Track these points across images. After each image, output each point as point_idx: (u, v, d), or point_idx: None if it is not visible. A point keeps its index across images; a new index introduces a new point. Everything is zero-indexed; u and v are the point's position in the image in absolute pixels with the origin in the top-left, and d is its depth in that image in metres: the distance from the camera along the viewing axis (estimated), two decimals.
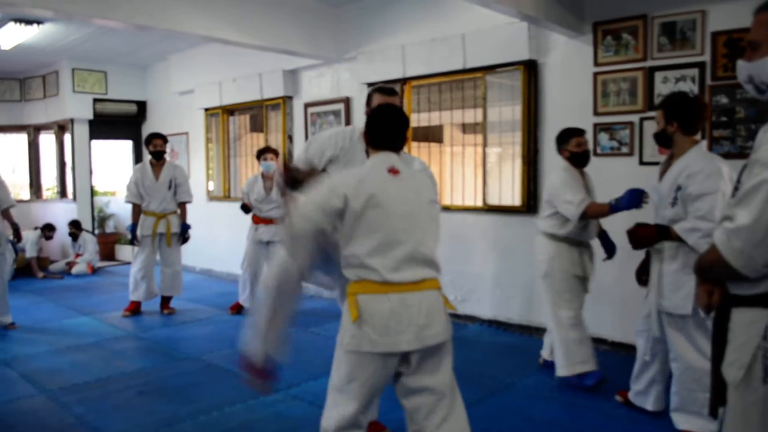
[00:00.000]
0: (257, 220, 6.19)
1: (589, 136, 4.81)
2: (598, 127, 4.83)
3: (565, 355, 4.05)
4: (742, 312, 1.73)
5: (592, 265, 4.23)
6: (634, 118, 4.65)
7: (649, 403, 3.59)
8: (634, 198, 3.64)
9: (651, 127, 4.54)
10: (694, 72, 4.37)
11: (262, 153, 6.21)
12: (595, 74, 4.84)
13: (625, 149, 4.71)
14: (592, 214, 3.94)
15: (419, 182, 2.53)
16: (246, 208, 6.29)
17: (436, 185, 3.02)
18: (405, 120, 2.59)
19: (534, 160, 5.26)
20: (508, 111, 5.53)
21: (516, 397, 4.00)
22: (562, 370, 4.06)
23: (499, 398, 3.97)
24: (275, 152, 6.24)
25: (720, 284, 1.82)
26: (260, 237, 6.14)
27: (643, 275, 3.53)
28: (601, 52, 4.81)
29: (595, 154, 4.81)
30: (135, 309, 6.35)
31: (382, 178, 2.42)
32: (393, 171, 2.44)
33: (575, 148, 4.09)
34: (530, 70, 5.22)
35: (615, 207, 3.76)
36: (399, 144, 2.55)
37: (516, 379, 4.29)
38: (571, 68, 5.02)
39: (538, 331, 5.26)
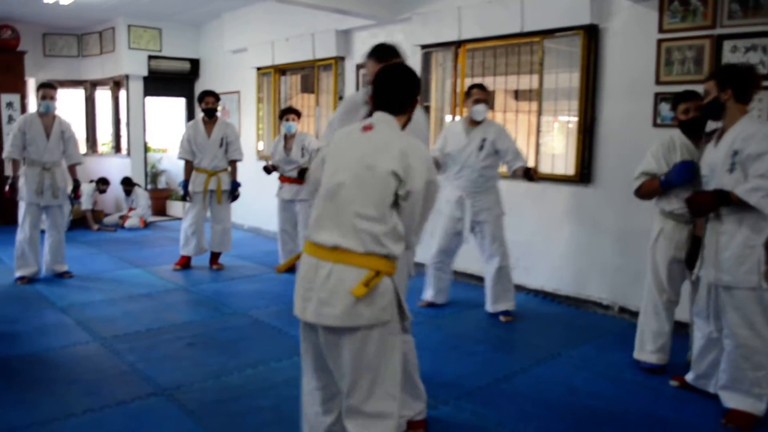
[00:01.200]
0: (282, 179, 6.29)
1: (649, 105, 4.68)
2: (660, 97, 4.64)
3: (639, 339, 3.94)
4: None
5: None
6: (699, 88, 4.44)
7: (712, 386, 3.43)
8: (684, 171, 3.51)
9: None
10: (767, 42, 4.15)
11: (284, 114, 6.25)
12: (660, 41, 4.64)
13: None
14: (645, 192, 3.78)
15: (381, 146, 2.25)
16: (267, 170, 6.37)
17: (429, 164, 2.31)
18: (402, 81, 2.41)
19: (591, 128, 5.12)
20: (565, 78, 5.37)
21: (561, 367, 3.96)
22: (635, 351, 3.97)
23: (544, 368, 3.93)
24: (297, 113, 6.27)
25: None
26: (283, 195, 6.25)
27: (692, 260, 3.42)
28: (666, 18, 4.60)
29: (655, 124, 4.65)
30: (185, 263, 6.49)
31: (350, 133, 2.37)
32: (365, 128, 2.32)
33: (681, 116, 3.73)
34: (591, 35, 5.03)
35: (665, 182, 3.62)
36: (395, 106, 2.37)
37: (562, 350, 4.24)
38: (634, 34, 4.82)
39: (587, 304, 5.19)
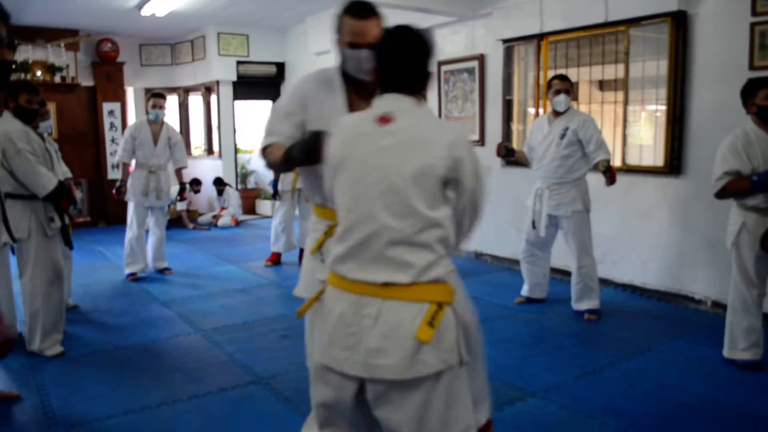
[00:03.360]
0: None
1: None
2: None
3: (729, 337, 3.81)
4: None
5: None
6: None
7: None
8: None
9: None
10: None
11: None
12: (753, 24, 4.46)
13: None
14: (731, 193, 3.60)
15: (416, 142, 1.73)
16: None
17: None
18: (420, 48, 1.82)
19: (680, 118, 4.98)
20: (652, 66, 5.23)
21: (651, 362, 3.89)
22: (725, 351, 3.85)
23: (633, 362, 3.88)
24: None
25: None
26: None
27: None
28: (760, 1, 4.42)
29: (748, 112, 4.48)
30: (276, 259, 6.76)
31: (357, 128, 1.82)
32: (383, 119, 1.76)
33: (764, 101, 3.52)
34: (679, 21, 4.89)
35: (756, 184, 3.42)
36: (413, 83, 1.83)
37: (652, 345, 4.16)
38: (725, 19, 4.66)
39: (677, 298, 5.06)
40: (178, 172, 6.36)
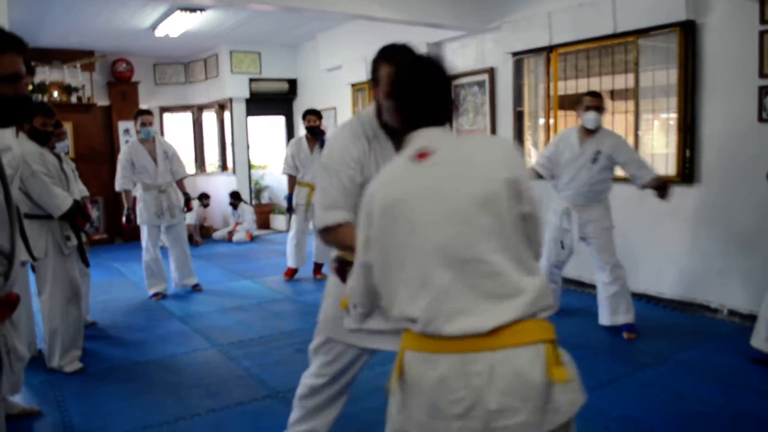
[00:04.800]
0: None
1: (753, 99, 4.52)
2: (764, 91, 4.47)
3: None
4: None
5: None
6: None
7: None
8: None
9: None
10: None
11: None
12: (762, 33, 4.47)
13: None
14: None
15: (470, 167, 1.55)
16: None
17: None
18: (444, 79, 1.70)
19: (691, 126, 4.98)
20: (662, 75, 5.25)
21: (667, 372, 3.88)
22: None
23: (649, 373, 3.87)
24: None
25: None
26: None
27: None
28: None
29: (761, 119, 4.48)
30: (292, 274, 6.79)
31: (401, 173, 1.61)
32: (421, 156, 1.58)
33: None
34: (687, 31, 4.91)
35: None
36: (441, 115, 1.68)
37: (668, 355, 4.15)
38: (733, 27, 4.67)
39: (692, 307, 5.04)
40: (180, 183, 6.24)
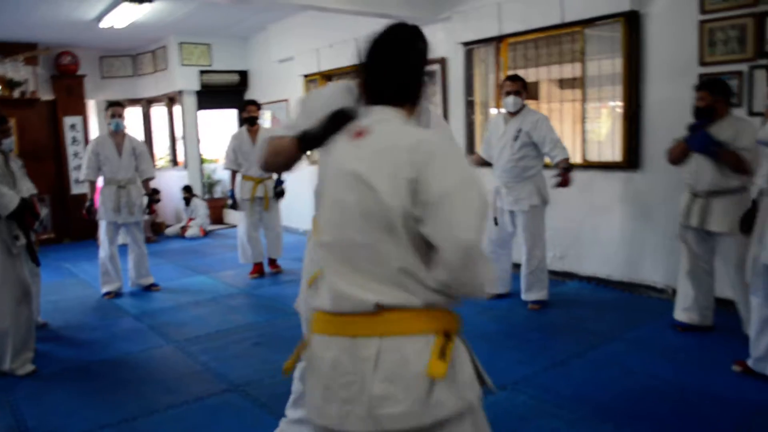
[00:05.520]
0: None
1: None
2: (704, 78, 4.64)
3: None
4: None
5: (714, 218, 3.98)
6: (743, 67, 4.45)
7: None
8: (698, 143, 3.91)
9: (762, 76, 4.35)
10: None
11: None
12: (701, 22, 4.64)
13: (733, 100, 4.52)
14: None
15: (384, 151, 1.50)
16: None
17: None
18: (406, 51, 1.62)
19: (636, 114, 5.14)
20: (608, 65, 5.40)
21: (616, 350, 4.03)
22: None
23: (599, 351, 4.01)
24: (257, 105, 6.62)
25: None
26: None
27: (746, 224, 3.45)
28: None
29: None
30: (259, 270, 6.64)
31: (338, 148, 1.63)
32: (358, 134, 1.57)
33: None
34: (631, 21, 5.06)
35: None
36: (400, 92, 1.60)
37: (617, 334, 4.30)
38: (675, 17, 4.83)
39: (640, 288, 5.22)
40: (146, 183, 6.17)
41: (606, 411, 3.20)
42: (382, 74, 1.60)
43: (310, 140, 1.90)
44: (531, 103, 6.63)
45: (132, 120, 10.90)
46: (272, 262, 6.80)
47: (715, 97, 3.94)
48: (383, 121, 1.56)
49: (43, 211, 8.60)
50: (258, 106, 6.63)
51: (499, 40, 6.11)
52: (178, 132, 10.45)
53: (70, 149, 9.53)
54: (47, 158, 9.31)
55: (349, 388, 1.46)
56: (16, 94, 8.95)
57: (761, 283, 3.36)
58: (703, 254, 4.15)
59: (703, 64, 4.66)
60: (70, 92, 9.57)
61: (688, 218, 4.12)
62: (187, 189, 9.75)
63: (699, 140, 3.94)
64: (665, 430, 3.01)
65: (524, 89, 4.87)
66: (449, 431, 1.47)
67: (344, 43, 7.86)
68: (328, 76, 8.62)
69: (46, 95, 9.43)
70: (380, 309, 1.45)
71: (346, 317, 1.49)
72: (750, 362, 3.53)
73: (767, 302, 3.36)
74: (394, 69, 1.60)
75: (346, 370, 1.46)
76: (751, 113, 4.43)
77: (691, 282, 4.19)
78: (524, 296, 5.00)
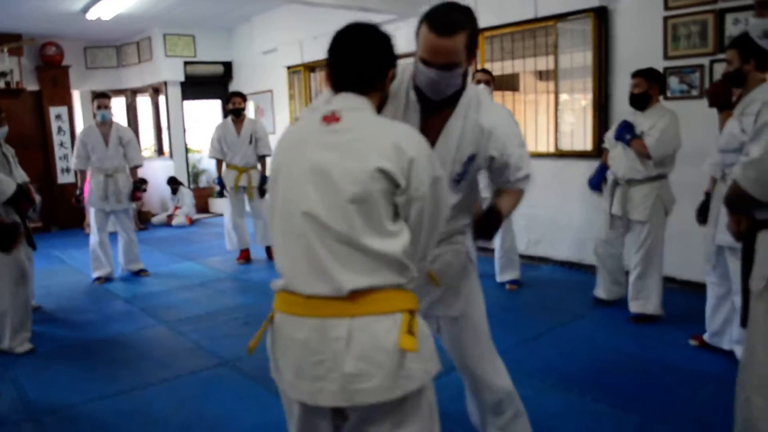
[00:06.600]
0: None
1: None
2: (668, 71, 4.92)
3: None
4: (766, 233, 1.97)
5: (627, 204, 4.36)
6: (704, 61, 4.73)
7: (726, 342, 3.69)
8: (617, 131, 4.26)
9: (721, 69, 4.61)
10: None
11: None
12: (666, 18, 4.90)
13: (695, 92, 4.80)
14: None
15: (359, 143, 1.59)
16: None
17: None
18: (369, 43, 1.75)
19: (605, 105, 5.40)
20: (579, 57, 5.65)
21: (585, 327, 4.30)
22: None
23: (569, 328, 4.28)
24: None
25: (747, 213, 2.02)
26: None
27: (702, 215, 3.71)
28: None
29: (666, 97, 4.90)
30: (246, 256, 6.83)
31: (306, 131, 1.71)
32: (329, 118, 1.65)
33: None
34: (601, 16, 5.32)
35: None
36: (364, 80, 1.72)
37: (586, 313, 4.58)
38: (641, 13, 5.10)
39: None
40: (133, 171, 6.30)
41: (572, 381, 3.45)
42: (342, 64, 1.73)
43: None
44: (511, 95, 6.91)
45: (117, 110, 11.01)
46: (268, 249, 6.85)
47: (650, 84, 4.21)
48: (352, 109, 1.66)
49: (38, 198, 8.71)
50: (244, 97, 6.78)
51: None
52: (164, 122, 10.56)
53: (56, 139, 9.63)
54: (33, 148, 9.40)
55: (320, 366, 1.55)
56: (1, 84, 9.03)
57: (716, 262, 3.62)
58: (614, 239, 4.60)
59: (667, 57, 4.92)
60: (55, 83, 9.66)
61: (611, 206, 4.47)
62: (173, 180, 9.90)
63: (618, 128, 4.28)
64: (626, 396, 3.27)
65: (493, 81, 5.09)
66: (411, 405, 1.61)
67: (327, 35, 7.78)
68: (311, 68, 8.81)
69: (32, 86, 9.52)
70: (352, 293, 1.54)
71: (318, 300, 1.57)
72: (706, 337, 3.82)
73: (722, 281, 3.62)
74: (352, 59, 1.72)
75: (317, 350, 1.55)
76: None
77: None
78: (499, 278, 5.27)
